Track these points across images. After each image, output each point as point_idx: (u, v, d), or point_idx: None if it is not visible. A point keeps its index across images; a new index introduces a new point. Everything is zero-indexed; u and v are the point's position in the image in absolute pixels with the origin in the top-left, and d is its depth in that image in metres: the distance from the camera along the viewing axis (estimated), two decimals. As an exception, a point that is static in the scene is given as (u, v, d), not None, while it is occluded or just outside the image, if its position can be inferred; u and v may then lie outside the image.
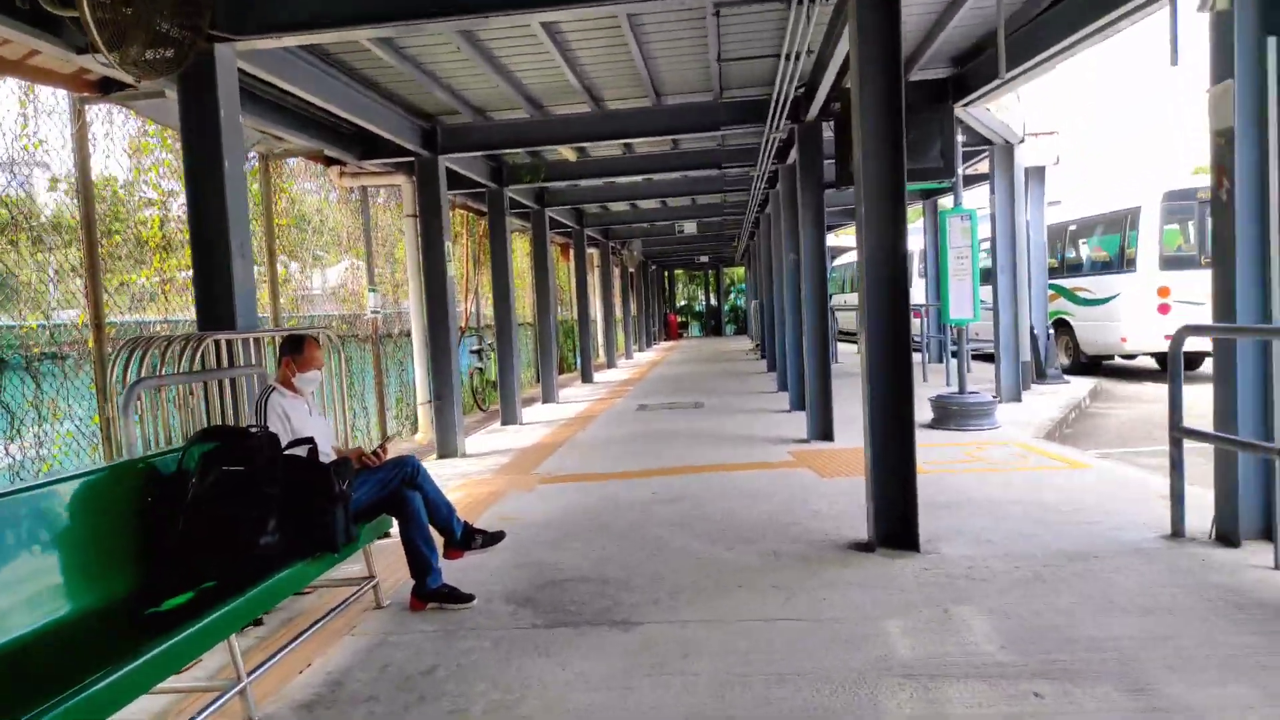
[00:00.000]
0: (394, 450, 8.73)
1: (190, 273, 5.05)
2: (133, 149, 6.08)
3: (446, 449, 8.35)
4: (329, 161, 8.33)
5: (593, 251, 21.79)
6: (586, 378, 16.60)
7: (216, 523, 3.18)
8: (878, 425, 4.59)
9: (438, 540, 4.12)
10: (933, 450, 7.30)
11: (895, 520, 4.56)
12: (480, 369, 12.49)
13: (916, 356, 16.08)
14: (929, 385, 12.02)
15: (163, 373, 3.92)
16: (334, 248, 9.22)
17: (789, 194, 10.11)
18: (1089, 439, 8.67)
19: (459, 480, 7.22)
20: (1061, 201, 15.82)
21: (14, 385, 4.76)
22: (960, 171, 8.29)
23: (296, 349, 4.05)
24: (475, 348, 12.73)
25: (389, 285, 10.89)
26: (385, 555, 4.63)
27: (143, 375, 3.79)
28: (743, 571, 4.34)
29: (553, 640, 3.56)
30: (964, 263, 8.45)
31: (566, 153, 9.91)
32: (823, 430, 8.08)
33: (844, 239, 27.87)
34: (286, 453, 3.53)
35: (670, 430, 9.38)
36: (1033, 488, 5.84)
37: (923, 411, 9.59)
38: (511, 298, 10.66)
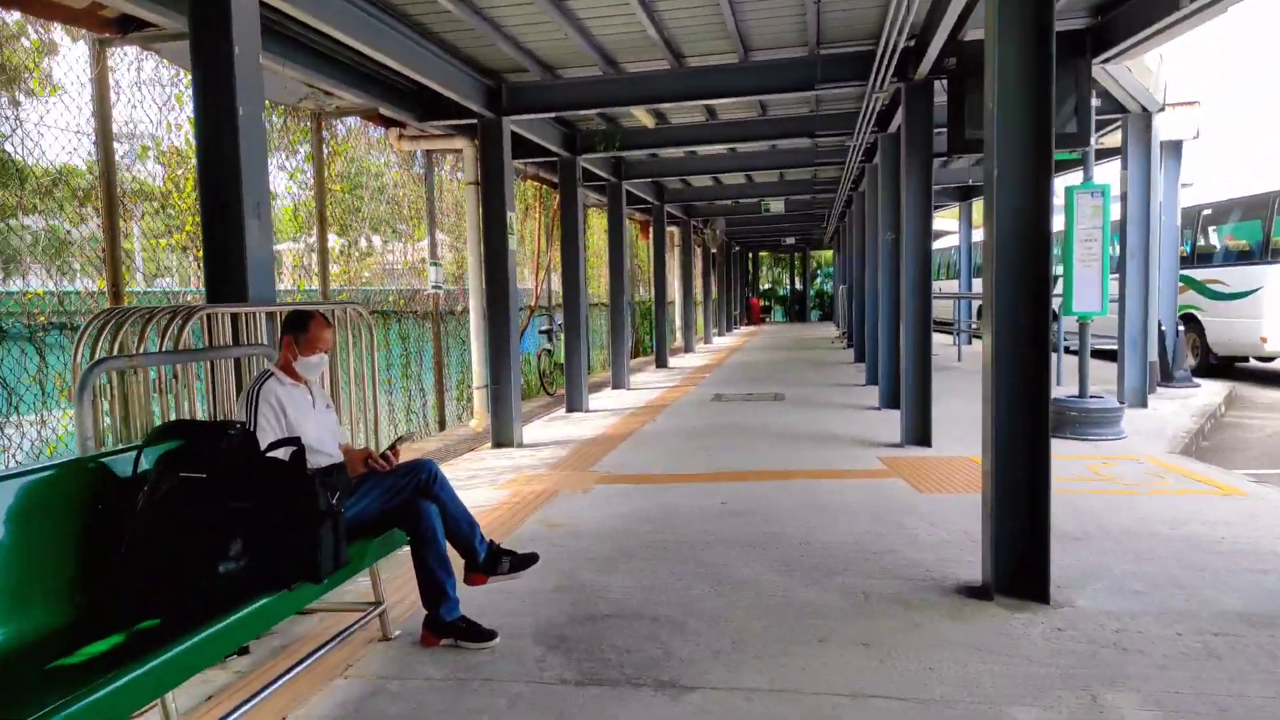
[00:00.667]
0: (443, 440, 8.11)
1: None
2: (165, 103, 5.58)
3: (502, 438, 7.73)
4: (388, 123, 7.76)
5: (673, 230, 20.98)
6: (661, 363, 15.86)
7: (166, 543, 2.56)
8: (1003, 437, 3.71)
9: (457, 562, 3.43)
10: (1051, 464, 6.30)
11: (1019, 561, 3.68)
12: (549, 350, 11.88)
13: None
14: None
15: (140, 351, 3.33)
16: (395, 218, 8.68)
17: (890, 165, 9.11)
18: (1232, 456, 7.47)
19: (510, 474, 6.58)
20: (1193, 183, 14.24)
21: (13, 359, 4.29)
22: (1094, 141, 7.17)
23: (300, 327, 3.40)
24: (545, 328, 12.14)
25: (455, 259, 10.36)
26: (401, 571, 3.99)
27: (111, 353, 3.21)
28: (824, 616, 3.54)
29: (583, 706, 2.83)
30: (1093, 247, 7.34)
31: (644, 118, 9.12)
32: (919, 434, 7.15)
33: (942, 222, 26.29)
34: (269, 455, 2.90)
35: (746, 425, 8.56)
36: (1178, 518, 4.83)
37: None
38: (582, 276, 9.97)
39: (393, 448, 3.45)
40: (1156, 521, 4.79)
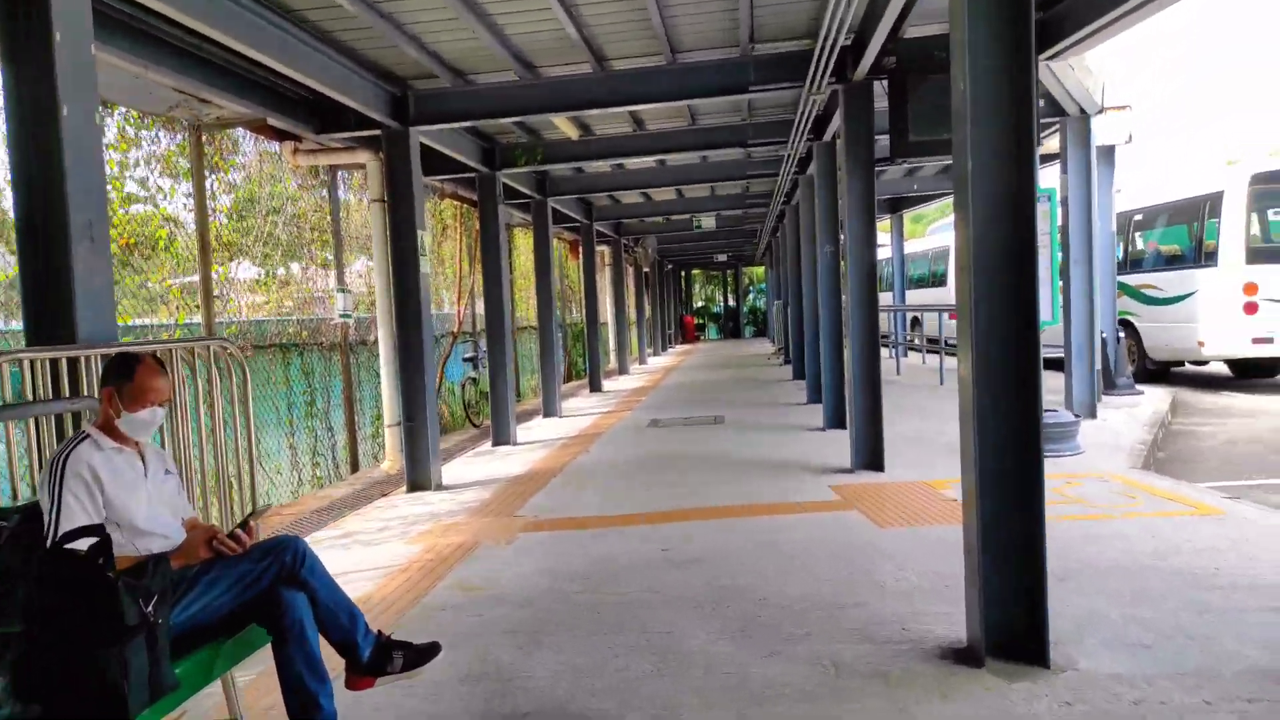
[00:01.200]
0: (352, 485, 7.37)
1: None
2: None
3: (418, 480, 6.99)
4: (282, 136, 7.01)
5: (603, 249, 20.43)
6: (595, 386, 15.22)
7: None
8: (989, 472, 3.18)
9: (336, 661, 2.74)
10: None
11: (1014, 617, 3.14)
12: (475, 379, 11.15)
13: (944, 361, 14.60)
14: None
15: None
16: (296, 242, 7.89)
17: (826, 174, 8.71)
18: (1193, 467, 7.19)
19: (425, 524, 5.85)
20: (1122, 189, 14.27)
21: None
22: (1039, 142, 6.83)
23: (124, 375, 2.67)
24: (469, 355, 11.40)
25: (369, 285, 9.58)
26: (266, 667, 3.25)
27: None
28: (790, 699, 2.94)
29: None
30: (1041, 254, 7.00)
31: (567, 129, 8.53)
32: (870, 458, 6.66)
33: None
34: (66, 547, 2.18)
35: (686, 454, 7.97)
36: (1163, 548, 4.40)
37: None
38: (506, 298, 9.30)
39: (245, 524, 2.75)
40: (1142, 553, 4.34)
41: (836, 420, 8.88)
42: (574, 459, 8.09)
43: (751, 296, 39.97)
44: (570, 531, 5.41)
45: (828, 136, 8.65)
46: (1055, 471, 6.26)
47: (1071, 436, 6.99)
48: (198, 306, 6.56)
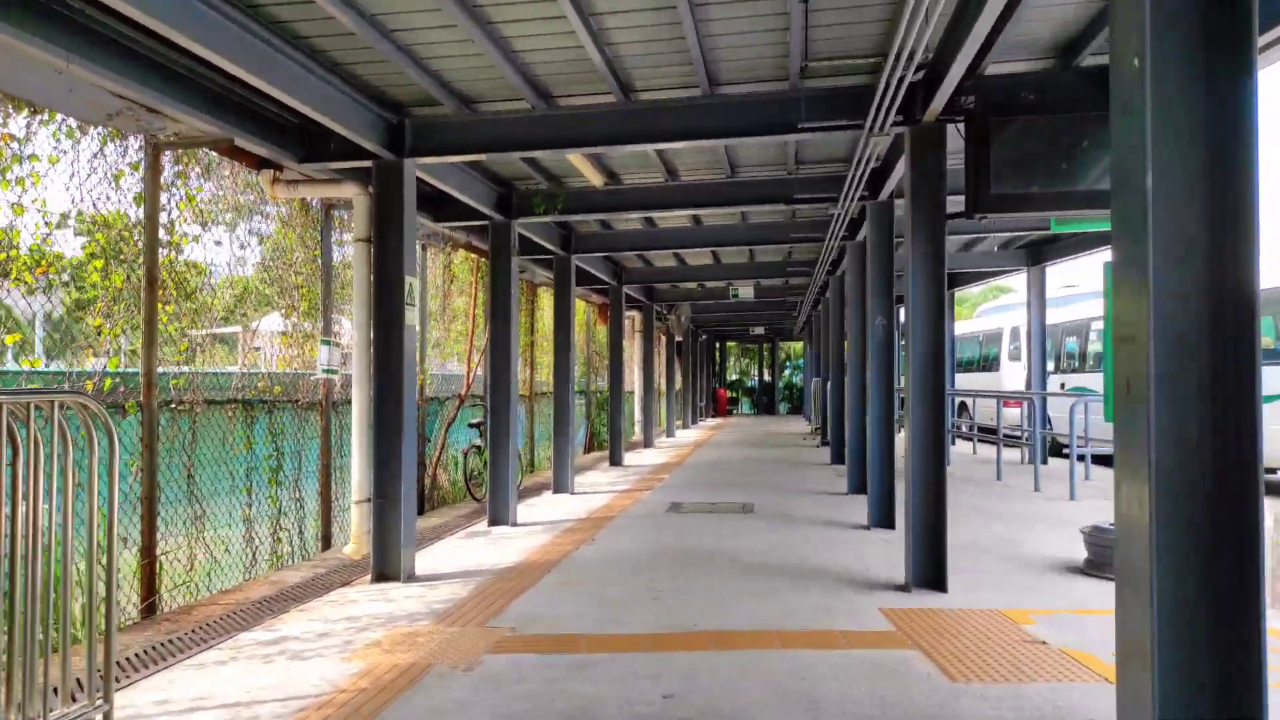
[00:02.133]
0: (313, 568, 6.34)
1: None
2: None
3: (386, 569, 5.90)
4: (261, 164, 6.16)
5: (633, 314, 19.54)
6: (615, 460, 14.09)
7: None
8: (1183, 634, 2.03)
9: None
10: (1096, 619, 4.61)
11: None
12: (479, 448, 10.10)
13: (1011, 454, 13.23)
14: (1041, 498, 9.26)
15: None
16: (275, 286, 7.01)
17: (881, 236, 7.70)
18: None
19: (378, 630, 4.74)
20: None
21: None
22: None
23: None
24: (476, 421, 10.37)
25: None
26: None
27: None
28: None
29: None
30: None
31: (591, 175, 7.64)
32: (931, 574, 5.44)
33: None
34: None
35: (707, 551, 6.80)
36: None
37: (1062, 544, 6.83)
38: (513, 360, 8.31)
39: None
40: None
41: (883, 518, 7.67)
42: (576, 549, 6.95)
43: (788, 372, 38.80)
44: (551, 655, 4.26)
45: (884, 195, 7.66)
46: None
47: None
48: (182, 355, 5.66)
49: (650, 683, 3.84)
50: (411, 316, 6.02)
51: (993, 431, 16.66)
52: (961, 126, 5.35)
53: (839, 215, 8.34)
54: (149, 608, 5.38)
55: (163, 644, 4.59)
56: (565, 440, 10.57)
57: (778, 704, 3.56)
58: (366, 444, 5.97)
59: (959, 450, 15.85)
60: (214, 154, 5.93)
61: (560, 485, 10.54)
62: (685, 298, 18.32)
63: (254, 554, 6.44)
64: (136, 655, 4.38)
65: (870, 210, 7.82)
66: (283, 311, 6.94)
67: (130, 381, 5.29)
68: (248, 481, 6.40)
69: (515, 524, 8.23)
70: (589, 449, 17.51)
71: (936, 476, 5.45)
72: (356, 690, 3.81)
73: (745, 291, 17.21)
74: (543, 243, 10.01)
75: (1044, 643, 4.29)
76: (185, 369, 5.75)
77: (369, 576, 5.94)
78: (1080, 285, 23.91)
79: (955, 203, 5.71)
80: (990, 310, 24.17)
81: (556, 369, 10.65)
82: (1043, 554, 6.55)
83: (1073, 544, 6.85)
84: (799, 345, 37.84)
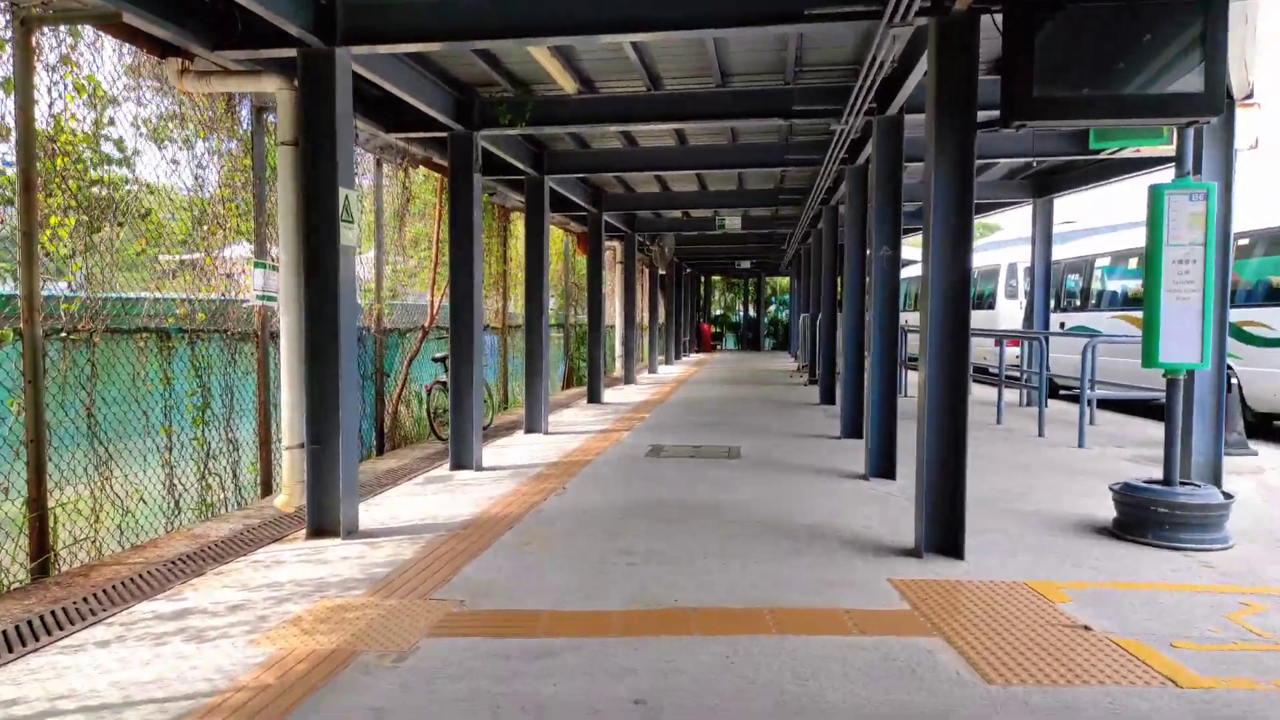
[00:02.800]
0: (244, 520, 5.66)
1: None
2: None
3: (324, 523, 5.17)
4: (165, 51, 5.20)
5: (614, 244, 18.64)
6: (594, 397, 13.37)
7: None
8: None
9: None
10: (1140, 597, 3.98)
11: None
12: (444, 384, 9.31)
13: (1009, 396, 12.59)
14: (1046, 444, 8.60)
15: None
16: (193, 200, 6.10)
17: (889, 156, 6.88)
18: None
19: (302, 601, 4.02)
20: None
21: None
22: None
23: None
24: (442, 355, 9.57)
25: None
26: None
27: None
28: None
29: None
30: (1189, 272, 5.13)
31: (562, 79, 6.71)
32: (946, 537, 4.76)
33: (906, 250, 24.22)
34: None
35: (689, 504, 6.11)
36: None
37: (1079, 499, 6.13)
38: (476, 285, 7.47)
39: None
40: None
41: (883, 467, 7.01)
42: (544, 500, 6.24)
43: (773, 308, 38.07)
44: (502, 641, 3.56)
45: (894, 108, 6.78)
46: (1207, 578, 4.36)
47: (1220, 524, 5.08)
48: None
49: (616, 681, 3.14)
50: (349, 236, 5.16)
51: (984, 371, 16.04)
52: (998, 17, 4.49)
53: (841, 133, 7.46)
54: (41, 568, 4.63)
55: (42, 616, 3.86)
56: (538, 376, 9.80)
57: (769, 712, 2.88)
58: (298, 381, 5.16)
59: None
60: (111, 36, 4.96)
61: (533, 425, 9.81)
62: (669, 228, 17.40)
63: (176, 503, 5.69)
64: (2, 632, 3.64)
65: (877, 126, 6.94)
66: (205, 230, 6.04)
67: (6, 306, 4.44)
68: (167, 421, 5.60)
69: (480, 468, 7.50)
70: (567, 385, 16.79)
71: (956, 427, 4.73)
72: (257, 688, 3.09)
73: (732, 222, 16.33)
74: (513, 161, 9.06)
75: (1087, 627, 3.62)
76: (79, 293, 4.89)
77: (304, 532, 5.21)
78: (1079, 221, 23.15)
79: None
80: (984, 246, 23.39)
81: (529, 299, 9.81)
82: (1062, 511, 5.90)
83: (1092, 498, 6.22)
84: (785, 280, 37.02)
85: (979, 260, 19.66)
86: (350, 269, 5.20)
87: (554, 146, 9.76)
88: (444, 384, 9.52)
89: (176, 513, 5.70)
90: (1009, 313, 17.35)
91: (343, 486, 5.14)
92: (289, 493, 5.18)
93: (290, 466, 5.17)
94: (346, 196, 5.14)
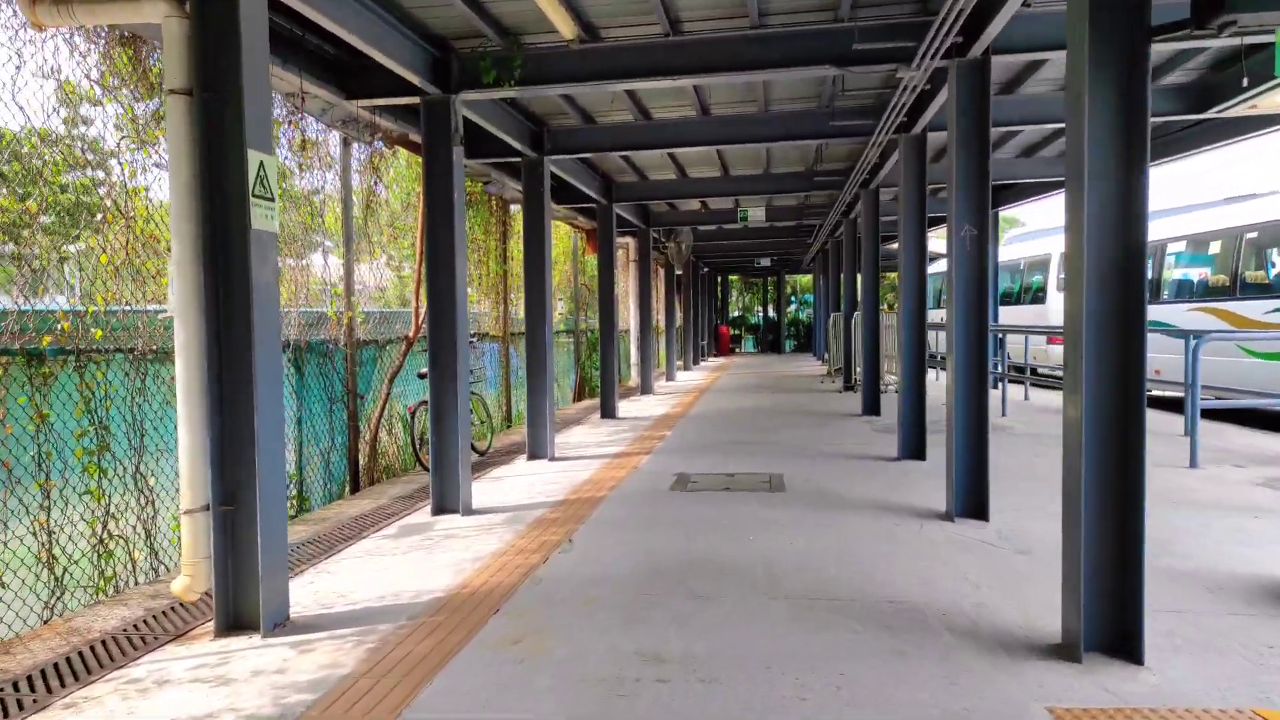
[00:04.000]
0: (141, 605, 3.99)
1: None
2: None
3: (240, 614, 3.78)
4: (15, -28, 3.83)
5: (627, 241, 17.24)
6: (608, 411, 11.95)
7: None
8: None
9: None
10: None
11: None
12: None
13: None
14: (1150, 463, 7.02)
15: None
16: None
17: (971, 106, 5.43)
18: None
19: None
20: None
21: None
22: None
23: None
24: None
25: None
26: None
27: None
28: None
29: None
30: None
31: (560, 23, 5.31)
32: (1116, 628, 3.30)
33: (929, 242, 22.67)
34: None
35: (729, 563, 4.68)
36: None
37: (1238, 548, 4.55)
38: (459, 285, 6.07)
39: None
40: None
41: (972, 503, 5.57)
42: (544, 560, 4.83)
43: (794, 307, 36.58)
44: None
45: (977, 49, 5.33)
46: None
47: None
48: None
49: None
50: (267, 217, 3.77)
51: (1032, 372, 14.52)
52: None
53: (905, 85, 6.01)
54: None
55: None
56: (542, 393, 8.39)
57: None
58: (200, 417, 3.76)
59: (1010, 397, 13.72)
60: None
61: (536, 450, 8.40)
62: (686, 221, 15.98)
63: (58, 580, 4.30)
64: None
65: (957, 72, 5.49)
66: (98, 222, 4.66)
67: None
68: (41, 474, 4.22)
69: (468, 511, 6.10)
70: (579, 396, 15.38)
71: (1125, 465, 3.28)
72: None
73: (756, 213, 14.91)
74: (507, 138, 7.67)
75: None
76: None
77: (209, 628, 3.81)
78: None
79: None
80: (1022, 237, 21.81)
81: (528, 301, 8.41)
82: (1230, 568, 4.43)
83: (1254, 546, 4.76)
84: (807, 279, 35.55)
85: (1024, 251, 18.13)
86: (270, 261, 3.80)
87: (554, 123, 8.36)
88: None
89: (60, 592, 4.32)
90: (1060, 307, 15.82)
91: (264, 562, 3.74)
92: (190, 573, 3.78)
93: (192, 537, 3.78)
94: (262, 164, 3.74)
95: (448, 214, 6.00)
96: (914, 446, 7.77)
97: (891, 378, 14.12)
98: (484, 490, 6.95)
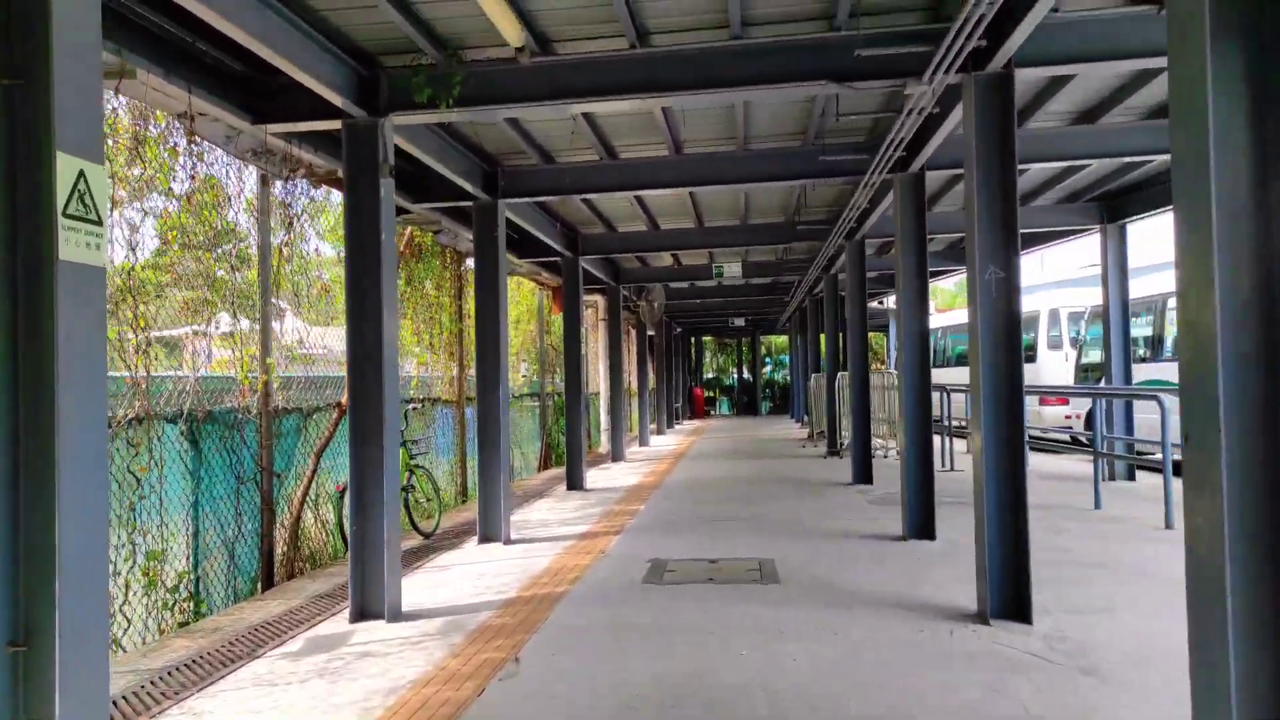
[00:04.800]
0: None
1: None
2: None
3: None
4: None
5: (595, 298, 16.38)
6: (574, 482, 10.87)
7: None
8: None
9: None
10: None
11: None
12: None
13: (1057, 465, 10.18)
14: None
15: None
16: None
17: (996, 129, 4.58)
18: None
19: None
20: None
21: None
22: None
23: None
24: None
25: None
26: None
27: None
28: None
29: None
30: None
31: (505, 28, 4.43)
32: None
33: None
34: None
35: (721, 700, 3.62)
36: None
37: None
38: (384, 331, 5.05)
39: None
40: None
41: (1010, 600, 4.56)
42: (476, 696, 3.73)
43: (769, 368, 35.85)
44: None
45: (998, 61, 4.53)
46: None
47: None
48: None
49: None
50: (86, 246, 2.77)
51: (1076, 441, 13.62)
52: None
53: (913, 106, 5.19)
54: None
55: None
56: (494, 468, 7.32)
57: None
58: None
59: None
60: None
61: (490, 532, 7.30)
62: (658, 278, 15.15)
63: None
64: None
65: (976, 87, 4.67)
66: None
67: None
68: None
69: (396, 617, 4.98)
70: (544, 464, 14.28)
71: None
72: None
73: (732, 269, 14.14)
74: (457, 179, 6.77)
75: None
76: None
77: (-18, 826, 2.68)
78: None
79: None
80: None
81: (481, 364, 7.40)
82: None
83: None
84: (782, 339, 34.92)
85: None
86: (92, 305, 2.79)
87: (510, 162, 7.48)
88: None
89: None
90: (1052, 367, 15.10)
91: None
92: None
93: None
94: (84, 175, 2.76)
95: (374, 258, 5.03)
96: (921, 524, 6.79)
97: (880, 442, 13.22)
98: (422, 585, 5.83)
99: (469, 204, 7.51)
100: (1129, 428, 10.12)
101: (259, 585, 6.12)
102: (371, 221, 5.04)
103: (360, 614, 4.97)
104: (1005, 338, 4.65)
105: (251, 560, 6.10)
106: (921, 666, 3.89)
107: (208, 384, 5.79)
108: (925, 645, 4.20)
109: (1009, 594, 4.58)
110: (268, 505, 6.17)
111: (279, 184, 6.29)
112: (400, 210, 7.93)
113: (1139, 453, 10.48)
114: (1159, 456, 11.71)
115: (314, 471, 6.79)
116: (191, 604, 5.44)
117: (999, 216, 4.65)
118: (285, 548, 6.46)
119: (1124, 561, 5.87)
